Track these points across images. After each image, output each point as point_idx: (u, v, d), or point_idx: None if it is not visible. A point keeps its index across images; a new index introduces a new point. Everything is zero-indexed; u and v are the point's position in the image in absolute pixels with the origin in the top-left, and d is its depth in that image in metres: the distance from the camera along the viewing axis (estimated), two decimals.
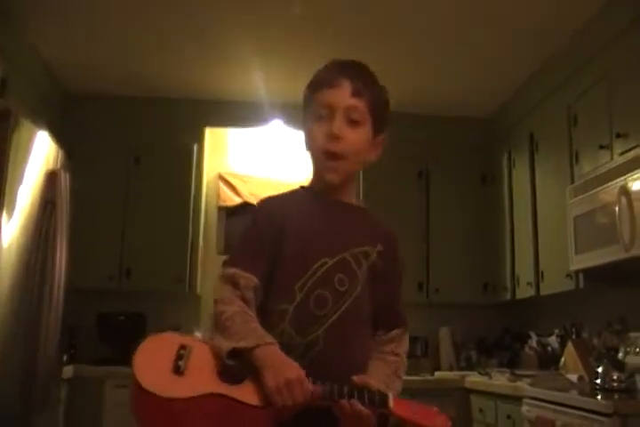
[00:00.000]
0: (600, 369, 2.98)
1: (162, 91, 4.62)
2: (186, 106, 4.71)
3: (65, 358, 3.81)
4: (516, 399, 3.25)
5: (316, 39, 3.86)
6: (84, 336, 4.33)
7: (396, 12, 3.50)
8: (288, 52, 4.03)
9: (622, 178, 2.92)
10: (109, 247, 4.43)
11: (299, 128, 5.20)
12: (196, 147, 4.72)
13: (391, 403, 1.29)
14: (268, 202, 1.54)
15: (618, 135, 3.12)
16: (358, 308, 1.45)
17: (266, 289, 1.43)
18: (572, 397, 2.78)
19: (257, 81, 4.38)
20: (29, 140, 2.59)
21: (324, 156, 1.46)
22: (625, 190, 2.87)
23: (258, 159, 5.12)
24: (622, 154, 3.07)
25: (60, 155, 2.84)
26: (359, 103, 1.45)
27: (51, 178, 2.68)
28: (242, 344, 1.28)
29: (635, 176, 2.84)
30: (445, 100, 4.46)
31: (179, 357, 1.28)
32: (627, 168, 2.91)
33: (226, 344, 1.29)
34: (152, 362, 1.27)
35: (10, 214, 2.41)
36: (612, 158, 3.17)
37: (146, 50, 4.04)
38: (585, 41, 3.57)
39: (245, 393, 1.25)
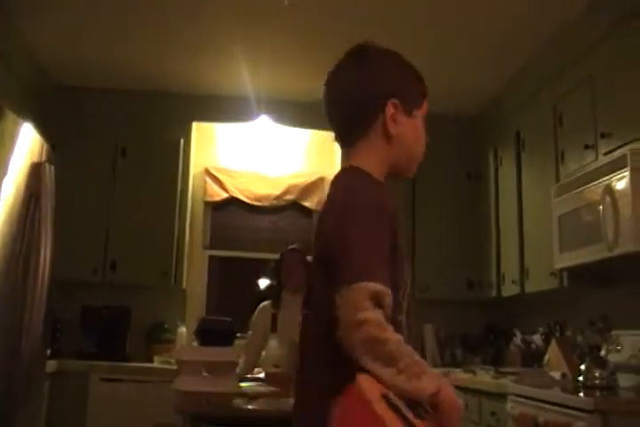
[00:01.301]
0: (583, 367, 3.01)
1: (150, 84, 4.61)
2: (174, 100, 4.71)
3: (48, 351, 3.79)
4: (501, 396, 3.27)
5: (306, 36, 3.86)
6: (67, 330, 4.32)
7: (386, 7, 3.50)
8: (277, 49, 4.02)
9: (607, 177, 2.94)
10: (94, 240, 4.42)
11: (286, 124, 5.23)
12: (183, 141, 4.71)
13: None
14: (376, 195, 1.37)
15: (602, 135, 3.14)
16: None
17: None
18: (555, 394, 2.80)
19: (245, 77, 4.38)
20: (14, 131, 2.57)
21: (420, 156, 1.52)
22: (609, 190, 2.90)
23: (245, 154, 5.11)
24: (607, 154, 3.10)
25: (44, 147, 2.82)
26: None
27: (35, 170, 2.66)
28: (431, 388, 1.17)
29: (619, 176, 2.86)
30: (433, 98, 4.43)
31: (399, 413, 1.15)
32: (611, 168, 2.93)
33: (410, 385, 1.17)
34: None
35: None
36: (596, 158, 3.20)
37: (134, 43, 4.03)
38: (570, 42, 3.59)
39: None
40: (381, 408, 1.12)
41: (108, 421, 3.83)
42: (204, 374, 2.83)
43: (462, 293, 4.63)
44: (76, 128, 4.50)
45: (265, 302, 3.57)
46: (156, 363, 4.25)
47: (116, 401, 3.88)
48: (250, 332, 3.57)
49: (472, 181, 4.77)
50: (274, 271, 3.70)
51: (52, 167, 2.74)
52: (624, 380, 2.96)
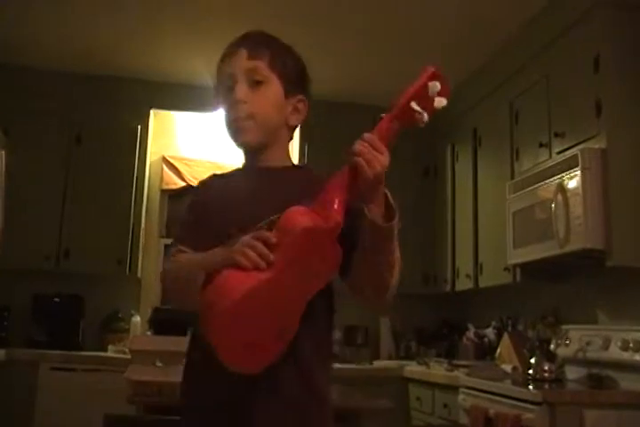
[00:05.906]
0: (533, 360, 3.08)
1: (107, 69, 4.50)
2: (132, 86, 4.62)
3: None
4: (453, 389, 3.32)
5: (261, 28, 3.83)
6: (17, 318, 4.24)
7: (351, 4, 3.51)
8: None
9: (559, 176, 3.01)
10: (48, 227, 4.32)
11: None
12: (140, 128, 4.64)
13: None
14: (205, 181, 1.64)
15: (556, 134, 3.21)
16: None
17: None
18: (505, 386, 2.87)
19: (203, 67, 4.32)
20: None
21: (234, 121, 1.45)
22: (561, 188, 2.96)
23: (203, 144, 5.07)
24: (560, 153, 3.16)
25: None
26: (259, 63, 1.44)
27: None
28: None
29: (571, 175, 2.93)
30: (389, 92, 4.47)
31: None
32: (564, 167, 2.99)
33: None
34: None
35: None
36: (550, 157, 3.26)
37: (92, 25, 3.92)
38: (527, 40, 3.64)
39: None
40: None
41: (58, 411, 3.76)
42: (158, 364, 2.81)
43: (418, 287, 4.65)
44: (30, 112, 4.37)
45: None
46: (110, 352, 4.20)
47: (68, 391, 3.82)
48: None
49: (429, 176, 4.81)
50: None
51: (3, 152, 2.69)
52: (571, 373, 3.04)
